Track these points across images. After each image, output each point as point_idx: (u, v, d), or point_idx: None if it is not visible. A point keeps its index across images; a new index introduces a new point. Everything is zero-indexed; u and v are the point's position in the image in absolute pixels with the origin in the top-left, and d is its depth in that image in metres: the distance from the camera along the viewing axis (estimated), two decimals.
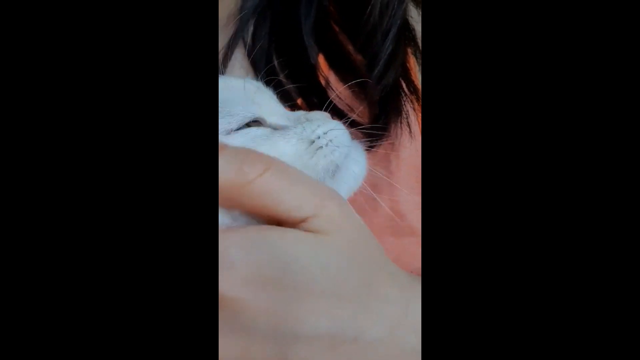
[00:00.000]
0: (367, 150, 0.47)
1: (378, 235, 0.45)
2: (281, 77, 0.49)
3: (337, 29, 0.52)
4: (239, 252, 0.31)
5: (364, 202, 0.42)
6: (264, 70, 0.49)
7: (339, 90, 0.49)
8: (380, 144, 0.48)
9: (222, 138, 0.35)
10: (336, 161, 0.37)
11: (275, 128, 0.38)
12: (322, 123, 0.38)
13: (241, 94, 0.38)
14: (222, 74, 0.49)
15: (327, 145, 0.36)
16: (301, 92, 0.49)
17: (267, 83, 0.46)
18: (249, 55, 0.51)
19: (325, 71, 0.51)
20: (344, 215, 0.33)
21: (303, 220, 0.32)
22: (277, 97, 0.44)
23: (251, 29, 0.53)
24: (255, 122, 0.37)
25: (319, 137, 0.36)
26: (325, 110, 0.48)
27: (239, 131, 0.36)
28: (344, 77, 0.51)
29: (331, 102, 0.48)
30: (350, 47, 0.51)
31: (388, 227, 0.46)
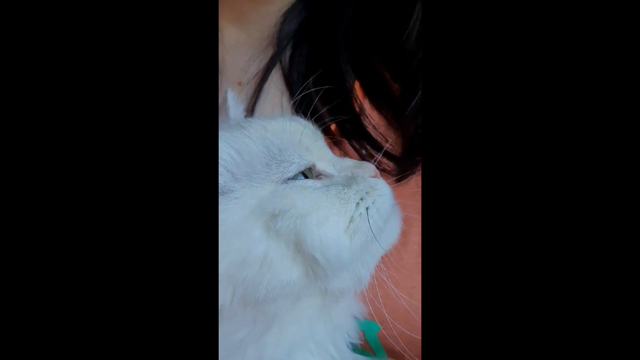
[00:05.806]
0: (397, 182, 0.47)
1: (408, 271, 0.44)
2: (316, 101, 0.49)
3: (374, 56, 0.51)
4: None
5: None
6: (299, 94, 0.49)
7: (374, 120, 0.49)
8: (412, 177, 0.47)
9: (275, 185, 0.35)
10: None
11: (321, 175, 0.38)
12: (369, 188, 0.37)
13: (297, 140, 0.38)
14: (258, 97, 0.49)
15: (372, 216, 0.36)
16: (335, 118, 0.49)
17: (302, 106, 0.46)
18: (285, 78, 0.51)
19: (361, 98, 0.50)
20: None
21: None
22: (310, 120, 0.44)
23: (289, 52, 0.52)
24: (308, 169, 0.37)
25: (368, 208, 0.36)
26: (360, 137, 0.48)
27: (291, 182, 0.36)
28: (379, 106, 0.50)
29: (367, 133, 0.47)
30: (387, 75, 0.50)
31: (418, 263, 0.44)
